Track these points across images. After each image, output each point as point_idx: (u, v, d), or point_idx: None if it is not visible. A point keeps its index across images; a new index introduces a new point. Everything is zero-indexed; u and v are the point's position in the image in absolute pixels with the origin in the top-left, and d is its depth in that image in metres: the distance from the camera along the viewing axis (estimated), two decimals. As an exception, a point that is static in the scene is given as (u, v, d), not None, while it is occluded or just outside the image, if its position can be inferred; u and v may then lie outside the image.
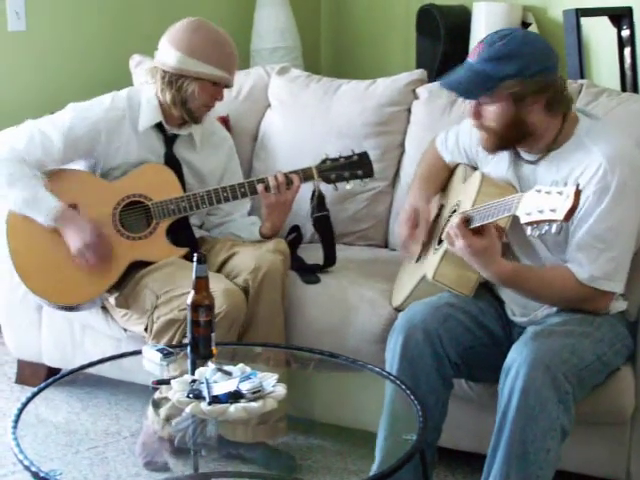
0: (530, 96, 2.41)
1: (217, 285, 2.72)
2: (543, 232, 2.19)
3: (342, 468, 2.86)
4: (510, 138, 2.50)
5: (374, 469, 2.50)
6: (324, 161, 3.06)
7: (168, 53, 2.99)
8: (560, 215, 2.13)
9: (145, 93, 3.08)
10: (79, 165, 3.08)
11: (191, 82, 2.97)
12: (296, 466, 2.88)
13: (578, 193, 2.13)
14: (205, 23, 3.03)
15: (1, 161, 2.94)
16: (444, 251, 2.58)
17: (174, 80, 2.99)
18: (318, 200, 3.09)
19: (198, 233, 3.18)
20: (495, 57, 2.41)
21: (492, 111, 2.46)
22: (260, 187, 3.00)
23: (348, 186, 3.08)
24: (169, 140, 3.09)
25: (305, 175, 3.04)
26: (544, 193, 2.19)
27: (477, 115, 2.50)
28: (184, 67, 2.96)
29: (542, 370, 2.32)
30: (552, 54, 2.46)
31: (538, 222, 2.18)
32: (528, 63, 2.40)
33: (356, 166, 3.07)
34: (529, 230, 2.21)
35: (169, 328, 2.83)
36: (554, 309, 2.55)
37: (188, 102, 3.00)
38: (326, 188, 3.09)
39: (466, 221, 2.40)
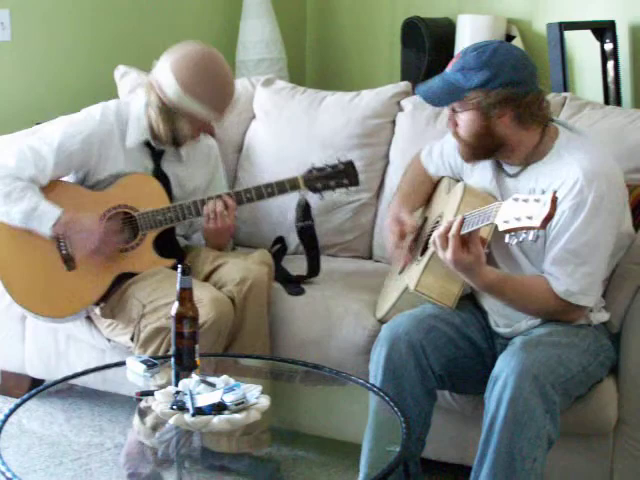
0: (494, 108, 2.44)
1: (204, 294, 2.73)
2: (520, 240, 2.20)
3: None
4: (481, 148, 2.53)
5: (359, 481, 2.51)
6: (310, 171, 3.07)
7: (167, 80, 2.94)
8: (537, 222, 2.15)
9: (134, 109, 3.06)
10: (68, 178, 3.07)
11: (182, 118, 2.97)
12: (281, 476, 2.87)
13: (554, 200, 2.15)
14: (211, 58, 2.98)
15: None
16: (426, 262, 2.59)
17: (166, 111, 2.97)
18: (303, 209, 3.10)
19: (183, 243, 3.18)
20: (465, 67, 2.46)
21: (463, 120, 2.51)
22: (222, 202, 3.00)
23: (334, 195, 3.09)
24: (156, 155, 3.09)
25: (291, 185, 3.05)
26: (521, 201, 2.21)
27: (453, 123, 2.54)
28: (179, 102, 2.94)
29: (530, 380, 2.33)
30: (525, 69, 2.47)
31: (515, 230, 2.19)
32: (494, 75, 2.43)
33: (342, 175, 3.08)
34: (507, 238, 2.23)
35: (156, 336, 2.83)
36: (538, 320, 2.56)
37: (176, 133, 3.00)
38: (311, 198, 3.09)
39: (460, 224, 2.38)
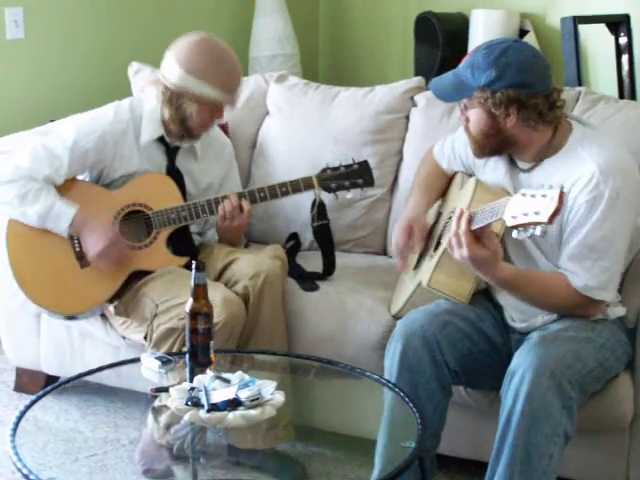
0: (499, 109, 2.44)
1: (216, 294, 2.72)
2: (528, 235, 2.20)
3: (341, 475, 2.86)
4: (489, 145, 2.53)
5: (374, 477, 2.50)
6: (324, 170, 3.05)
7: (172, 68, 2.96)
8: (544, 218, 2.14)
9: (147, 105, 3.06)
10: (84, 176, 3.07)
11: (190, 102, 2.95)
12: (306, 475, 2.87)
13: (562, 195, 2.15)
14: (212, 41, 2.98)
15: (8, 182, 2.93)
16: (438, 258, 2.59)
17: (174, 98, 2.96)
18: (319, 209, 3.09)
19: (197, 240, 3.18)
20: (474, 65, 2.46)
21: (472, 117, 2.51)
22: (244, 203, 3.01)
23: (349, 195, 3.08)
24: (171, 152, 3.08)
25: (305, 184, 3.04)
26: (529, 196, 2.21)
27: (465, 118, 2.55)
28: (185, 86, 2.94)
29: (547, 376, 2.33)
30: (532, 71, 2.45)
31: (523, 225, 2.19)
32: (499, 76, 2.42)
33: (357, 175, 3.06)
34: (515, 233, 2.22)
35: (169, 337, 2.82)
36: (554, 315, 2.56)
37: (186, 121, 2.98)
38: (326, 197, 3.09)
39: (469, 220, 2.39)
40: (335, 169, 3.05)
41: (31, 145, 3.00)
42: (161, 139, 3.07)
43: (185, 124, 2.99)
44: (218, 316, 2.69)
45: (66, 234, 2.94)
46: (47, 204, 2.92)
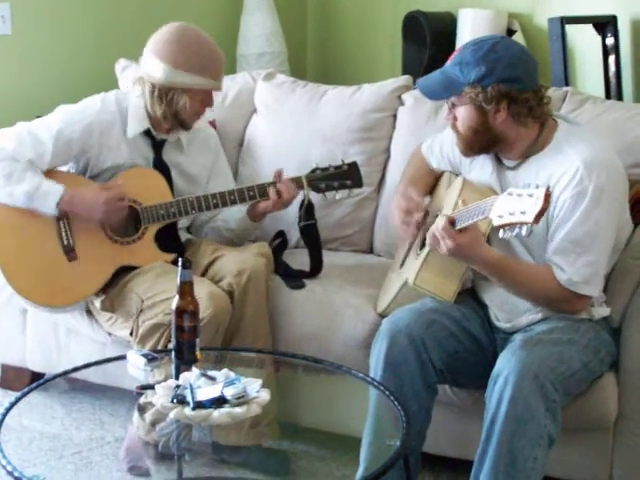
0: (490, 104, 2.44)
1: (202, 289, 2.72)
2: (514, 234, 2.21)
3: (326, 473, 2.86)
4: (478, 143, 2.54)
5: (359, 475, 2.51)
6: (314, 170, 3.07)
7: (154, 65, 2.97)
8: (530, 217, 2.15)
9: (132, 100, 3.07)
10: (68, 167, 3.08)
11: (181, 95, 2.97)
12: (290, 467, 2.87)
13: (548, 195, 2.16)
14: (187, 30, 3.00)
15: None
16: (425, 256, 2.59)
17: (164, 94, 2.98)
18: (307, 209, 3.10)
19: (184, 236, 3.18)
20: (462, 62, 2.47)
21: (461, 114, 2.52)
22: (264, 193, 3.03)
23: (337, 196, 3.10)
24: (157, 145, 3.09)
25: (295, 184, 3.05)
26: (516, 196, 2.21)
27: (452, 117, 2.55)
28: (172, 80, 2.95)
29: (530, 379, 2.33)
30: (521, 66, 2.47)
31: (509, 224, 2.20)
32: (489, 71, 2.43)
33: (345, 176, 3.08)
34: (501, 233, 2.23)
35: (154, 332, 2.83)
36: (538, 315, 2.56)
37: (180, 114, 3.00)
38: (314, 196, 3.09)
39: (451, 223, 2.41)
40: (325, 169, 3.07)
41: (16, 130, 3.00)
42: (147, 133, 3.07)
43: (178, 117, 3.01)
44: (205, 311, 2.69)
45: (55, 212, 2.93)
46: (34, 183, 2.92)
